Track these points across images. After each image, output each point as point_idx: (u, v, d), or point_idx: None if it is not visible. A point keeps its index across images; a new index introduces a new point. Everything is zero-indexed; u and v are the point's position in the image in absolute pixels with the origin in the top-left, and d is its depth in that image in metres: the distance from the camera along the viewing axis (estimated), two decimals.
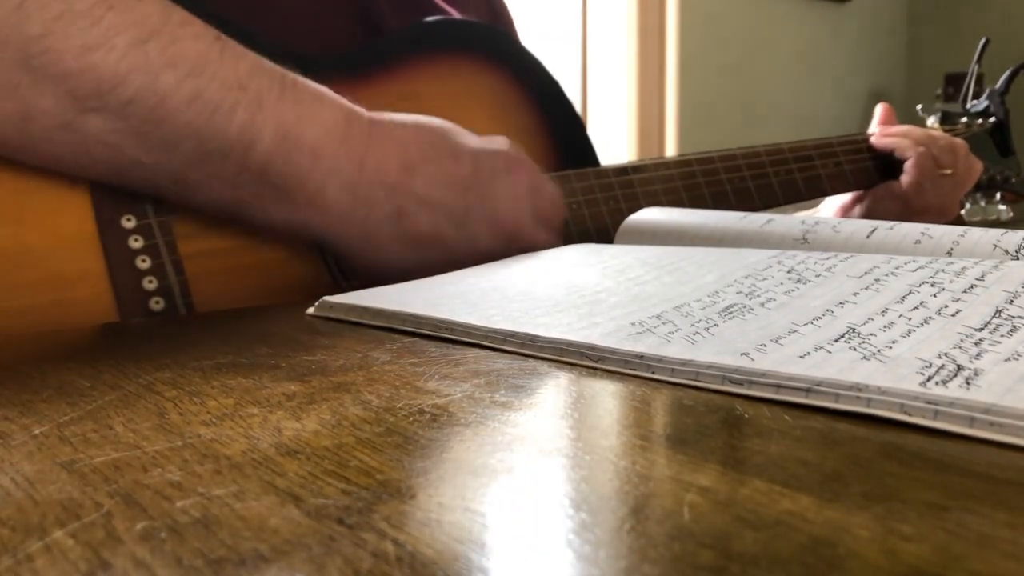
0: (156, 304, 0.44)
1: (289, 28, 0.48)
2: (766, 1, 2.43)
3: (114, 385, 0.26)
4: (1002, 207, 0.95)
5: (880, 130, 0.83)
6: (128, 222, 0.44)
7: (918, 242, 0.39)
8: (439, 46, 0.60)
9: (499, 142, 0.51)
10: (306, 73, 0.46)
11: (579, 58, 2.19)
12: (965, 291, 0.28)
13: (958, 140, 0.82)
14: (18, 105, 0.38)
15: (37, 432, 0.21)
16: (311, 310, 0.38)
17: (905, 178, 0.78)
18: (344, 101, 0.46)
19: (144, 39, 0.39)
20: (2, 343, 0.36)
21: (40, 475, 0.18)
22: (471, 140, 0.49)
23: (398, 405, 0.23)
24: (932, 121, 0.92)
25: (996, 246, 0.36)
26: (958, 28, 2.72)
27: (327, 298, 0.38)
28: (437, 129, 0.48)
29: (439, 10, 0.64)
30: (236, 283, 0.47)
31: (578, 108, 0.67)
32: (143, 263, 0.44)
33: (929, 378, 0.21)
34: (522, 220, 0.50)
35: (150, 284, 0.44)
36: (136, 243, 0.44)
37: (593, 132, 0.70)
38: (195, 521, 0.15)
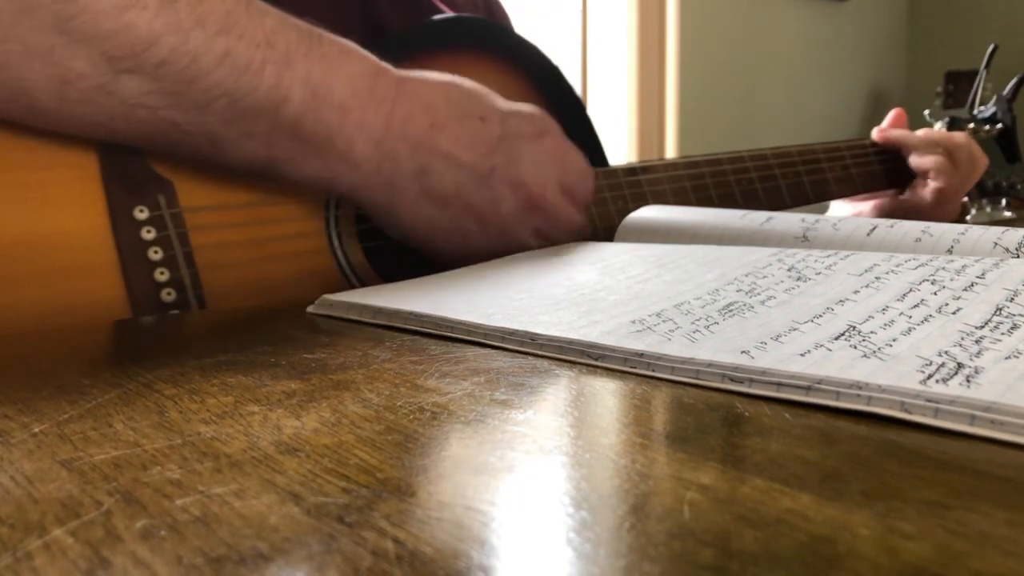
0: (168, 296, 0.44)
1: None
2: (766, 1, 2.42)
3: (114, 383, 0.26)
4: (1008, 213, 0.95)
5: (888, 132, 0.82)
6: (140, 213, 0.44)
7: (918, 240, 0.39)
8: (442, 44, 0.60)
9: (529, 108, 0.51)
10: None
11: (579, 58, 2.19)
12: (965, 289, 0.28)
13: (960, 135, 0.82)
14: (54, 69, 0.38)
15: (37, 430, 0.21)
16: (311, 308, 0.38)
17: (929, 187, 0.78)
18: (372, 56, 0.46)
19: None
20: (2, 341, 0.36)
21: (40, 473, 0.18)
22: (501, 103, 0.50)
23: (398, 403, 0.23)
24: (939, 127, 0.93)
25: (997, 244, 0.36)
26: (958, 26, 2.72)
27: (327, 296, 0.38)
28: (468, 89, 0.49)
29: (437, 10, 0.64)
30: (247, 276, 0.47)
31: None
32: (155, 254, 0.44)
33: (929, 376, 0.21)
34: (546, 186, 0.50)
35: (162, 276, 0.44)
36: (148, 234, 0.44)
37: None
38: (195, 519, 0.15)
